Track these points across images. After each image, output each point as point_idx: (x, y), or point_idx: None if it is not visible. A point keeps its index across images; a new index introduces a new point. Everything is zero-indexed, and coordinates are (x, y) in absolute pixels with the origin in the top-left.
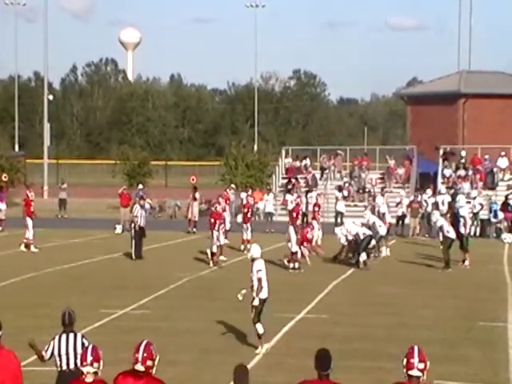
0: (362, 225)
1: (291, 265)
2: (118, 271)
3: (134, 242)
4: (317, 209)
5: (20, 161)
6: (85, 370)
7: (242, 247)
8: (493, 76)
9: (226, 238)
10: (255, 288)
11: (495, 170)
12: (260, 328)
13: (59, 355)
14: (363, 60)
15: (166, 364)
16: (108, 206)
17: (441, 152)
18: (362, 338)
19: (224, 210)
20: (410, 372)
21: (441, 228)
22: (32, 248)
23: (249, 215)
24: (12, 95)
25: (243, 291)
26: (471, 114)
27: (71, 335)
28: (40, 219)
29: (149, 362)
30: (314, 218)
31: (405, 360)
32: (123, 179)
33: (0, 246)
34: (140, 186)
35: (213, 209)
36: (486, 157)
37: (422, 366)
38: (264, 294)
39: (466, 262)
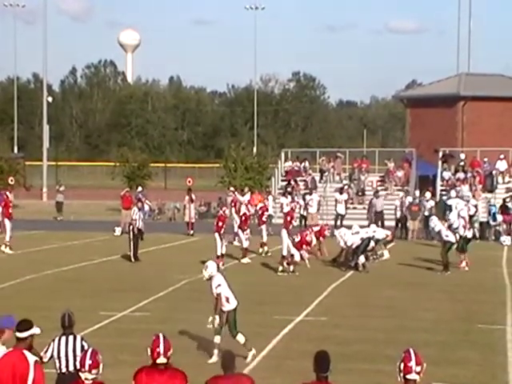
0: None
1: (291, 267)
2: (117, 273)
3: (132, 244)
4: (322, 239)
5: (19, 163)
6: (83, 376)
7: (266, 249)
8: (492, 79)
9: (235, 240)
10: (214, 306)
11: (494, 172)
12: (241, 338)
13: (58, 357)
14: (363, 62)
15: None
16: (107, 208)
17: (440, 154)
18: (361, 341)
19: (245, 213)
20: (407, 376)
21: (439, 233)
22: (5, 248)
23: (264, 218)
24: (11, 97)
25: (210, 319)
26: (470, 116)
27: (71, 337)
28: (39, 221)
29: (169, 353)
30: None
31: (402, 364)
32: (122, 181)
33: None
34: (139, 189)
35: (221, 212)
36: (485, 159)
37: (419, 368)
38: (232, 305)
39: (463, 264)
